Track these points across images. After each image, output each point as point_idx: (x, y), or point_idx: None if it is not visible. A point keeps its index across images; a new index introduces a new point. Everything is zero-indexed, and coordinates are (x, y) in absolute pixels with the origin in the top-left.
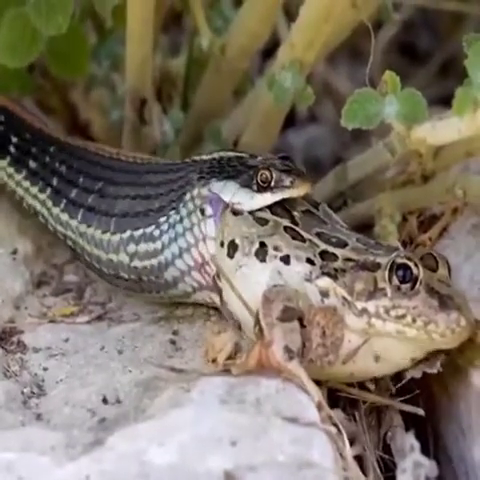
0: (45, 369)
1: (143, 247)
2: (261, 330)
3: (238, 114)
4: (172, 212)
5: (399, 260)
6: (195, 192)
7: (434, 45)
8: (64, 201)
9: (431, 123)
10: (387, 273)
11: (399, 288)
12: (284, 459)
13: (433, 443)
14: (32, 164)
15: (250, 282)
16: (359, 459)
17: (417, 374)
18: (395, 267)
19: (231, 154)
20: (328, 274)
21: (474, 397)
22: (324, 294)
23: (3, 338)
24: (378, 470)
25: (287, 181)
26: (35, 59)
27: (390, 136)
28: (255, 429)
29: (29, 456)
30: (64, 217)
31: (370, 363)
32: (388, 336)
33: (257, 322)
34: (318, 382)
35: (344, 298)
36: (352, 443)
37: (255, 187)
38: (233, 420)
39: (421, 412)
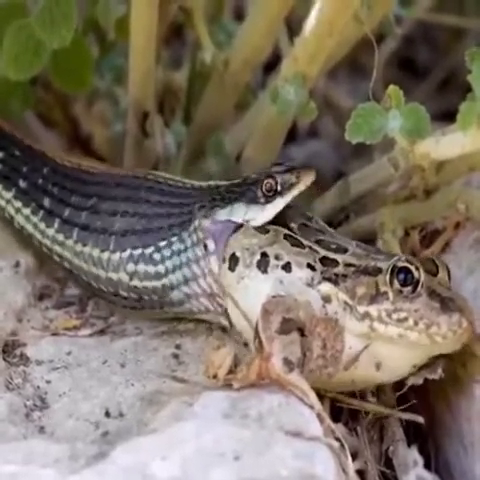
0: (48, 382)
1: (142, 268)
2: (261, 343)
3: (240, 128)
4: (174, 239)
5: (400, 263)
6: (196, 223)
7: (433, 60)
8: (58, 221)
9: (435, 138)
10: (388, 277)
11: (401, 291)
12: (287, 473)
13: (434, 458)
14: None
15: (252, 293)
16: (361, 473)
17: (418, 381)
18: (396, 270)
19: (225, 182)
20: (329, 279)
21: (477, 413)
22: (326, 299)
23: (6, 351)
24: None
25: (293, 178)
26: (37, 72)
27: (393, 151)
28: (258, 443)
29: (32, 469)
30: (60, 237)
31: (371, 370)
32: (390, 340)
33: (257, 335)
34: (320, 395)
35: (346, 303)
36: (354, 457)
37: (262, 199)
38: (236, 434)
39: (420, 419)
